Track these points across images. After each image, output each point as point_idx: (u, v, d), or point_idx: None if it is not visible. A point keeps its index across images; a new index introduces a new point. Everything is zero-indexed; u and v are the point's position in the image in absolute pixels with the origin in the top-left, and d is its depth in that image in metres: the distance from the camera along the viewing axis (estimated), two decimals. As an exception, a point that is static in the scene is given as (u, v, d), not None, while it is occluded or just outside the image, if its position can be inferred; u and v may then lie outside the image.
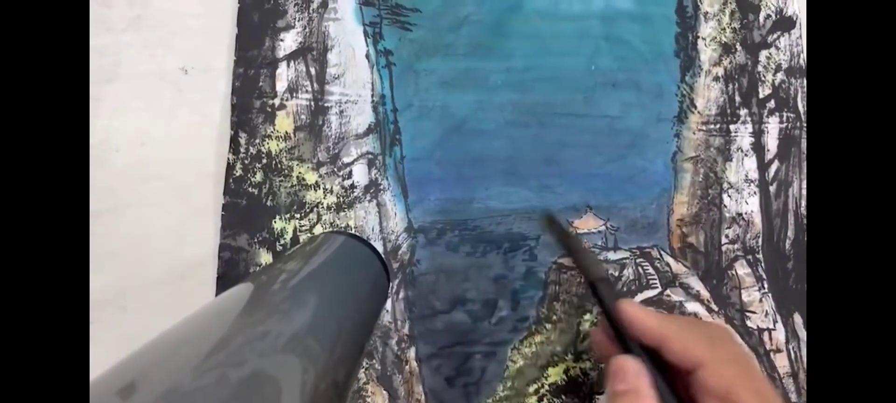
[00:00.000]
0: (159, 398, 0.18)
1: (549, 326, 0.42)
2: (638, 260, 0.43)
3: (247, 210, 0.42)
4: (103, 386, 0.18)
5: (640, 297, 0.43)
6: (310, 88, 0.43)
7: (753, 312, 0.43)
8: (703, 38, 0.46)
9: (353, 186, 0.43)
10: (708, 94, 0.45)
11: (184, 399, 0.18)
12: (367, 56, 0.44)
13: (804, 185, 0.44)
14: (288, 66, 0.44)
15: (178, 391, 0.18)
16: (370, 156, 0.43)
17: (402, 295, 0.42)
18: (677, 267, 0.43)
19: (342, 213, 0.42)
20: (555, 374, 0.42)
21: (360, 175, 0.43)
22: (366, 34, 0.45)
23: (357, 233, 0.42)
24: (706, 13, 0.46)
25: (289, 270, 0.29)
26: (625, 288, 0.43)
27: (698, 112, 0.45)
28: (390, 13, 0.45)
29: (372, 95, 0.44)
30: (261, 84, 0.43)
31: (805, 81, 0.46)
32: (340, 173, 0.43)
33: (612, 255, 0.43)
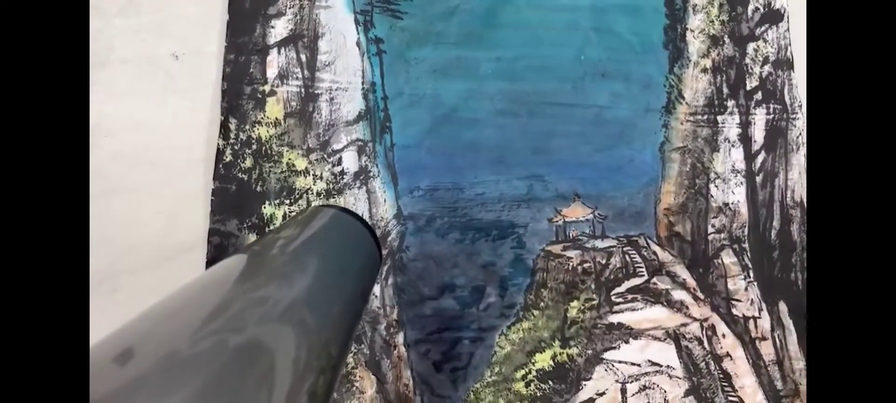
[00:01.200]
0: (157, 363, 0.18)
1: (536, 313, 0.42)
2: (625, 249, 0.44)
3: (236, 195, 0.42)
4: (101, 353, 0.18)
5: (627, 285, 0.43)
6: (300, 75, 0.44)
7: (739, 300, 0.43)
8: (692, 30, 0.46)
9: (342, 173, 0.43)
10: (696, 85, 0.46)
11: (181, 364, 0.18)
12: (358, 44, 0.44)
13: (790, 176, 0.45)
14: (279, 52, 0.44)
15: (176, 356, 0.18)
16: (360, 143, 0.43)
17: (391, 281, 0.42)
18: (664, 255, 0.44)
19: (332, 200, 0.42)
20: (542, 360, 0.42)
21: (350, 162, 0.43)
22: (357, 22, 0.45)
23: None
24: (695, 5, 0.47)
25: (285, 237, 0.29)
26: (612, 276, 0.43)
27: (686, 103, 0.45)
28: (382, 1, 0.45)
29: (362, 83, 0.44)
30: (251, 70, 0.43)
31: (792, 73, 0.46)
32: (330, 160, 0.43)
33: (599, 243, 0.44)
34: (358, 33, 0.45)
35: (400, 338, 0.42)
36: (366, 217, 0.43)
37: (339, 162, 0.43)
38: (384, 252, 0.42)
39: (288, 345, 0.22)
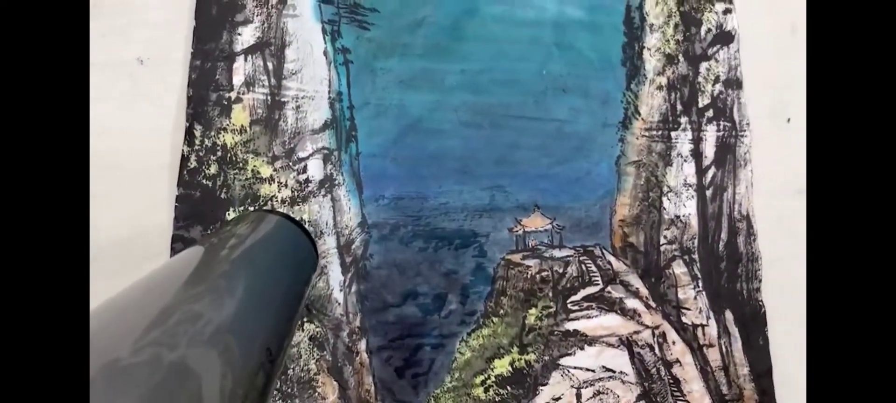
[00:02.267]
0: (101, 369, 0.19)
1: (496, 320, 0.44)
2: (581, 258, 0.45)
3: (200, 201, 0.42)
4: None
5: (582, 293, 0.45)
6: (267, 83, 0.44)
7: (688, 309, 0.45)
8: (649, 49, 0.48)
9: (307, 181, 0.43)
10: (651, 102, 0.48)
11: (121, 373, 0.19)
12: (325, 53, 0.45)
13: (737, 190, 0.47)
14: (245, 59, 0.44)
15: (117, 364, 0.19)
16: (326, 151, 0.44)
17: (354, 288, 0.43)
18: (618, 265, 0.46)
19: (296, 207, 0.43)
20: (501, 366, 0.43)
21: (316, 170, 0.44)
22: (324, 31, 0.45)
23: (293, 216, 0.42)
24: (652, 25, 0.49)
25: (233, 241, 0.30)
26: (569, 285, 0.45)
27: (642, 118, 0.47)
28: (349, 12, 0.46)
29: (329, 92, 0.45)
30: (217, 77, 0.44)
31: (741, 92, 0.48)
32: (295, 167, 0.43)
33: (557, 253, 0.45)
34: (325, 43, 0.45)
35: (362, 345, 0.42)
36: (330, 225, 0.43)
37: (305, 170, 0.43)
38: (348, 260, 0.43)
39: (214, 372, 0.23)
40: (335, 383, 0.42)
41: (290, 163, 0.43)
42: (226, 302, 0.26)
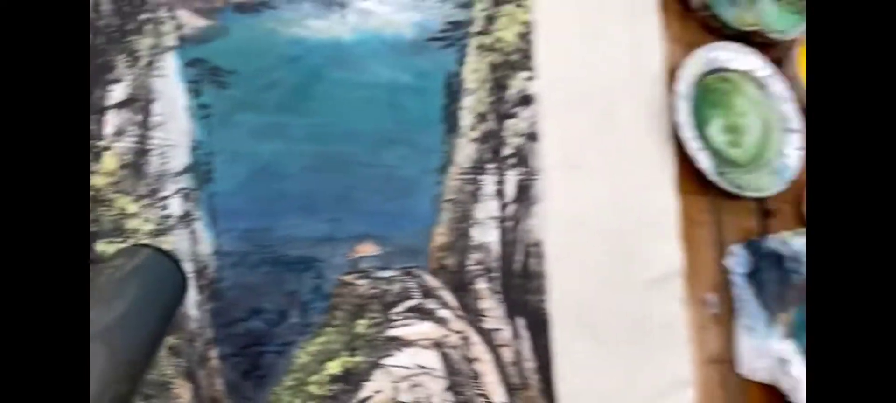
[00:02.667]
0: None
1: (330, 329, 0.54)
2: (404, 278, 0.56)
3: (71, 234, 0.49)
4: None
5: (403, 306, 0.56)
6: (135, 133, 0.52)
7: (489, 317, 0.57)
8: (465, 108, 0.60)
9: (169, 216, 0.52)
10: (465, 152, 0.59)
11: None
12: (188, 108, 0.54)
13: (531, 222, 0.60)
14: (116, 112, 0.52)
15: None
16: (186, 191, 0.52)
17: (207, 307, 0.52)
18: (434, 282, 0.57)
19: (159, 239, 0.51)
20: (332, 367, 0.53)
21: (176, 207, 0.52)
22: (188, 89, 0.54)
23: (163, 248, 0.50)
24: (467, 89, 0.61)
25: (111, 270, 0.38)
26: (393, 299, 0.56)
27: (457, 165, 0.59)
28: (210, 73, 0.55)
29: (190, 141, 0.53)
30: (91, 127, 0.51)
31: (537, 144, 0.61)
32: (159, 205, 0.52)
33: (384, 274, 0.56)
34: (188, 99, 0.54)
35: (214, 353, 0.51)
36: (188, 253, 0.52)
37: (167, 207, 0.52)
38: (203, 282, 0.52)
39: (97, 361, 0.31)
40: (190, 384, 0.50)
41: (154, 202, 0.52)
42: (114, 304, 0.34)
